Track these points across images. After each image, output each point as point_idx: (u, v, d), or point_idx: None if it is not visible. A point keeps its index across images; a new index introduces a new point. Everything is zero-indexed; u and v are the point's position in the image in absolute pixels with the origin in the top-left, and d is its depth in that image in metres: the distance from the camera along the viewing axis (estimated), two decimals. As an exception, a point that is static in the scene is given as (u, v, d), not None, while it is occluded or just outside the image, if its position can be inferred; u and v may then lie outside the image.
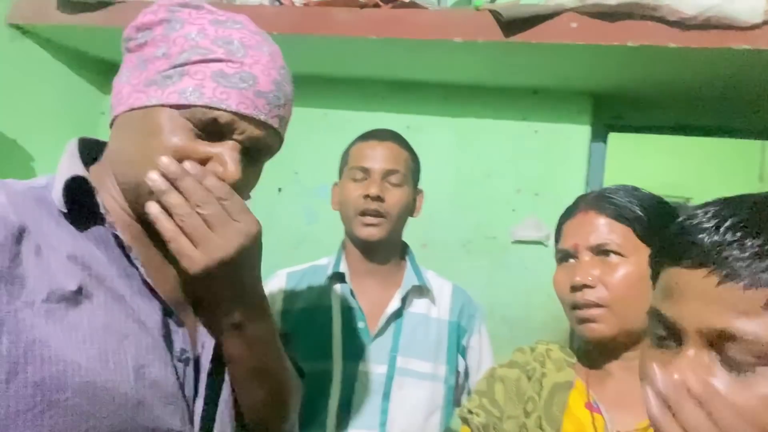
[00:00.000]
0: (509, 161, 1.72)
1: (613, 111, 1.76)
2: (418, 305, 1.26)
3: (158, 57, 0.67)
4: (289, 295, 1.26)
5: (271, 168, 2.02)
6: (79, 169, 0.66)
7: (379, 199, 1.18)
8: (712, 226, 0.48)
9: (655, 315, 0.52)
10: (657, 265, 0.54)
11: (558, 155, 1.70)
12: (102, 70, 1.88)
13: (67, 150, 0.70)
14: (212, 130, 0.66)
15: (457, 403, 1.31)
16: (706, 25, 1.23)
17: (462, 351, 1.28)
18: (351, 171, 1.23)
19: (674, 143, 2.34)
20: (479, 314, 1.33)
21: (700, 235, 0.49)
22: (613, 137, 1.83)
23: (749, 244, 0.46)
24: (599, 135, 1.76)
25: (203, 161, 0.65)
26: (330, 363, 1.18)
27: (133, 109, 0.67)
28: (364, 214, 1.19)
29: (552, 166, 1.69)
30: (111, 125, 0.71)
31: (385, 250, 1.25)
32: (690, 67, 1.39)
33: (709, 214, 0.49)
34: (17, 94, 1.61)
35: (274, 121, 0.70)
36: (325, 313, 1.22)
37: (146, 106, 0.66)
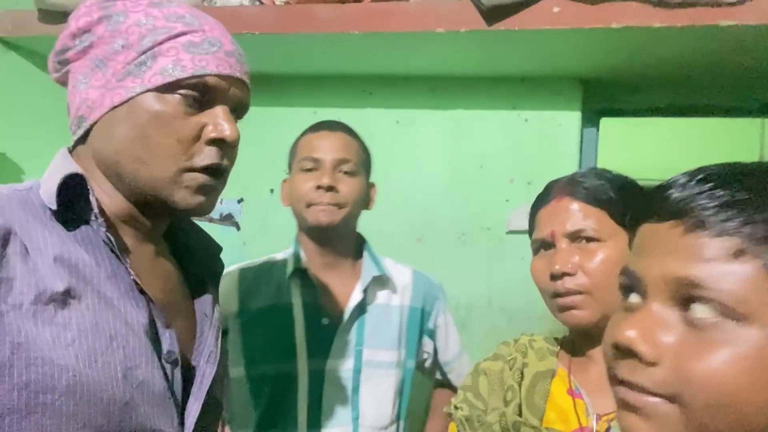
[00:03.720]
0: (501, 151, 1.71)
1: (604, 95, 1.74)
2: (380, 296, 1.23)
3: (118, 51, 0.67)
4: (245, 293, 1.22)
5: (262, 169, 2.01)
6: (75, 168, 0.66)
7: (332, 189, 1.15)
8: (684, 182, 0.47)
9: (624, 273, 0.51)
10: (632, 227, 0.53)
11: (550, 143, 1.68)
12: (89, 80, 1.88)
13: (59, 152, 0.71)
14: (202, 99, 0.68)
15: (430, 379, 1.33)
16: (690, 2, 1.22)
17: (429, 333, 1.27)
18: (301, 162, 1.20)
19: (668, 125, 2.31)
20: (442, 294, 1.32)
21: (671, 191, 0.48)
22: (605, 122, 1.81)
23: (718, 194, 0.44)
24: (591, 120, 1.75)
25: (200, 131, 0.68)
26: (294, 363, 1.15)
27: (114, 107, 0.67)
28: (316, 205, 1.16)
29: (544, 155, 1.68)
30: (85, 134, 0.70)
31: (343, 241, 1.23)
32: (677, 47, 1.37)
33: (683, 174, 0.49)
34: (3, 107, 1.61)
35: (246, 77, 0.73)
36: (285, 311, 1.18)
37: (130, 98, 0.66)
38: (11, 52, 1.65)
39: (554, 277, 0.83)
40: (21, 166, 1.68)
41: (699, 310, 0.43)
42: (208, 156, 0.68)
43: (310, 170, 1.18)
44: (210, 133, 0.68)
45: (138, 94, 0.66)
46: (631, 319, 0.46)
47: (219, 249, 0.86)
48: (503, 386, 0.87)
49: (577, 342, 0.89)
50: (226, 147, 0.70)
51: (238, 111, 0.73)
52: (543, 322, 1.63)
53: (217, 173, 0.70)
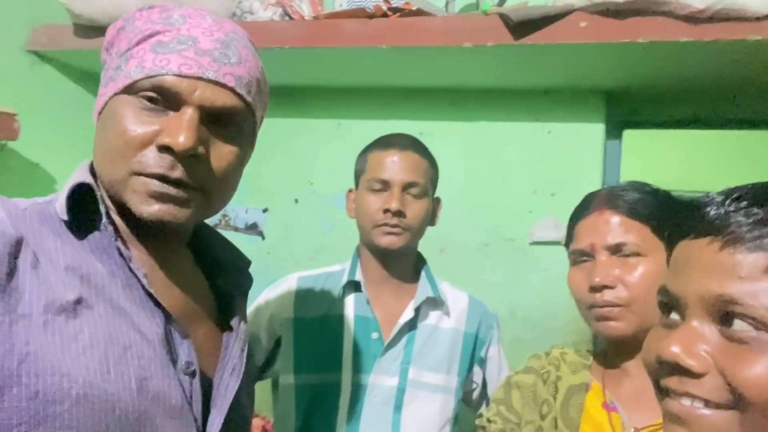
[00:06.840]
0: (524, 163, 1.72)
1: (627, 107, 1.75)
2: (432, 317, 1.23)
3: (113, 58, 0.68)
4: (301, 302, 1.23)
5: (287, 179, 2.04)
6: (86, 178, 0.66)
7: (399, 213, 1.14)
8: (720, 200, 0.49)
9: (663, 292, 0.53)
10: (669, 245, 0.55)
11: (573, 155, 1.69)
12: (119, 92, 1.91)
13: (79, 165, 0.71)
14: (165, 100, 0.64)
15: (475, 411, 1.29)
16: (716, 18, 1.22)
17: (480, 362, 1.26)
18: (369, 182, 1.19)
19: (691, 137, 2.30)
20: (496, 323, 1.31)
21: (707, 208, 0.50)
22: (628, 134, 1.81)
23: (754, 211, 0.47)
24: (614, 132, 1.75)
25: (154, 135, 0.63)
26: (339, 375, 1.15)
27: (100, 113, 0.68)
28: (383, 226, 1.16)
29: (567, 166, 1.69)
30: None
31: (403, 260, 1.24)
32: (702, 61, 1.38)
33: (719, 192, 0.51)
34: (39, 119, 1.64)
35: (228, 80, 0.66)
36: (336, 322, 1.19)
37: (106, 103, 0.66)
38: (46, 65, 1.69)
39: (593, 289, 0.84)
40: (54, 176, 1.72)
41: (737, 325, 0.46)
42: (155, 163, 0.62)
43: (377, 191, 1.17)
44: (160, 138, 0.63)
45: (110, 98, 0.66)
46: (673, 335, 0.49)
47: (248, 263, 0.84)
48: (537, 400, 0.88)
49: (611, 354, 0.89)
50: (190, 159, 0.63)
51: (219, 116, 0.66)
52: (565, 332, 1.64)
53: (181, 184, 0.64)
